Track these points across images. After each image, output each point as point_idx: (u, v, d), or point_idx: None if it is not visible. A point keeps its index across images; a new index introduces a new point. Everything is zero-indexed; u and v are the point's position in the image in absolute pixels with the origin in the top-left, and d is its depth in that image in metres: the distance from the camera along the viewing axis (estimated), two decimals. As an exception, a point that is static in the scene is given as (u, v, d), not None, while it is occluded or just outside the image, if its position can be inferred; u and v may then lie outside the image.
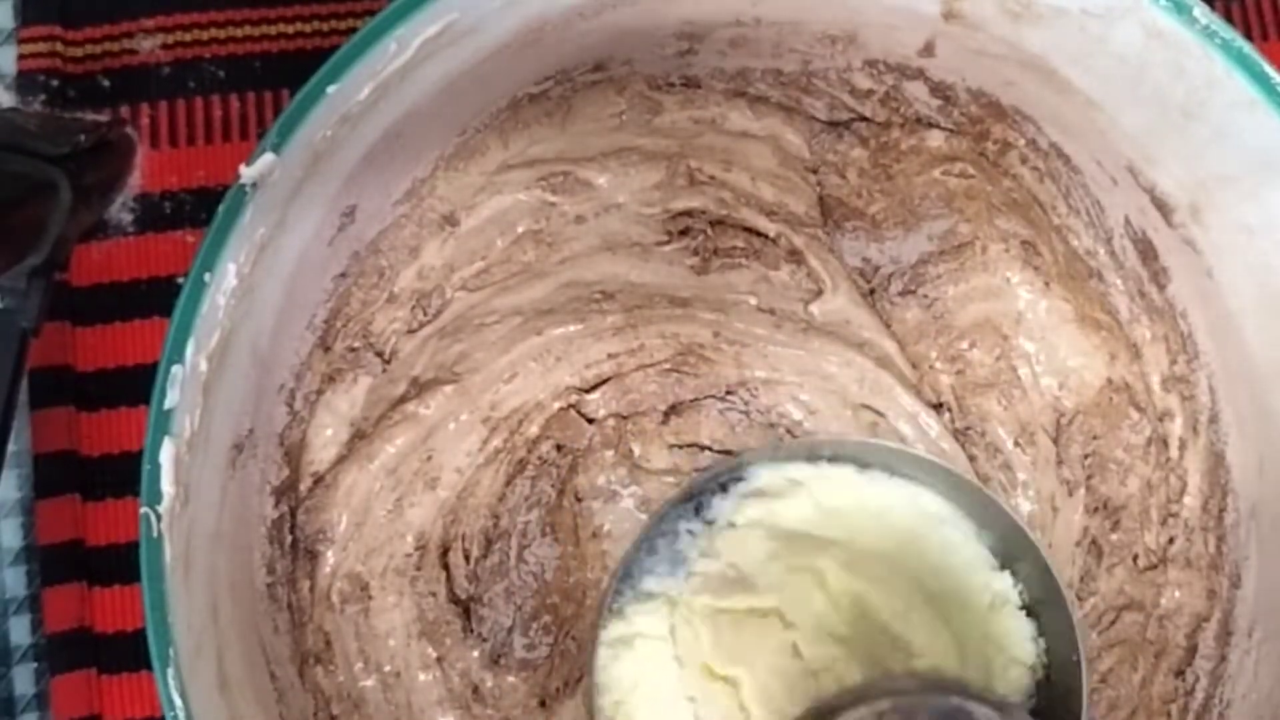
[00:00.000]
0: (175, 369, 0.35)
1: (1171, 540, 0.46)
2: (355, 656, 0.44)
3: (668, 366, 0.47)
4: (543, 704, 0.45)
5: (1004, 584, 0.42)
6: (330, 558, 0.44)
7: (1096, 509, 0.47)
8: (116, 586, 0.46)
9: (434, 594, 0.45)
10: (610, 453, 0.46)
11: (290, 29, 0.50)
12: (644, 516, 0.46)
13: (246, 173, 0.36)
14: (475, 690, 0.45)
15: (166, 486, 0.35)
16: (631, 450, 0.46)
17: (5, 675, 0.46)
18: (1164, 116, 0.40)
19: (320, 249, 0.42)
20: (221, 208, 0.36)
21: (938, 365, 0.48)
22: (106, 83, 0.49)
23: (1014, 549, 0.42)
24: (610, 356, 0.46)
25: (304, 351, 0.44)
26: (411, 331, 0.46)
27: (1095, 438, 0.47)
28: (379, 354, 0.46)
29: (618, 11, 0.41)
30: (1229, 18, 0.52)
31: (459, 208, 0.46)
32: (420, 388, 0.45)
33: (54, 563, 0.46)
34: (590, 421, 0.46)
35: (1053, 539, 0.47)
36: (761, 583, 0.41)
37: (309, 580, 0.44)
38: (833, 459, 0.43)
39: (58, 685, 0.45)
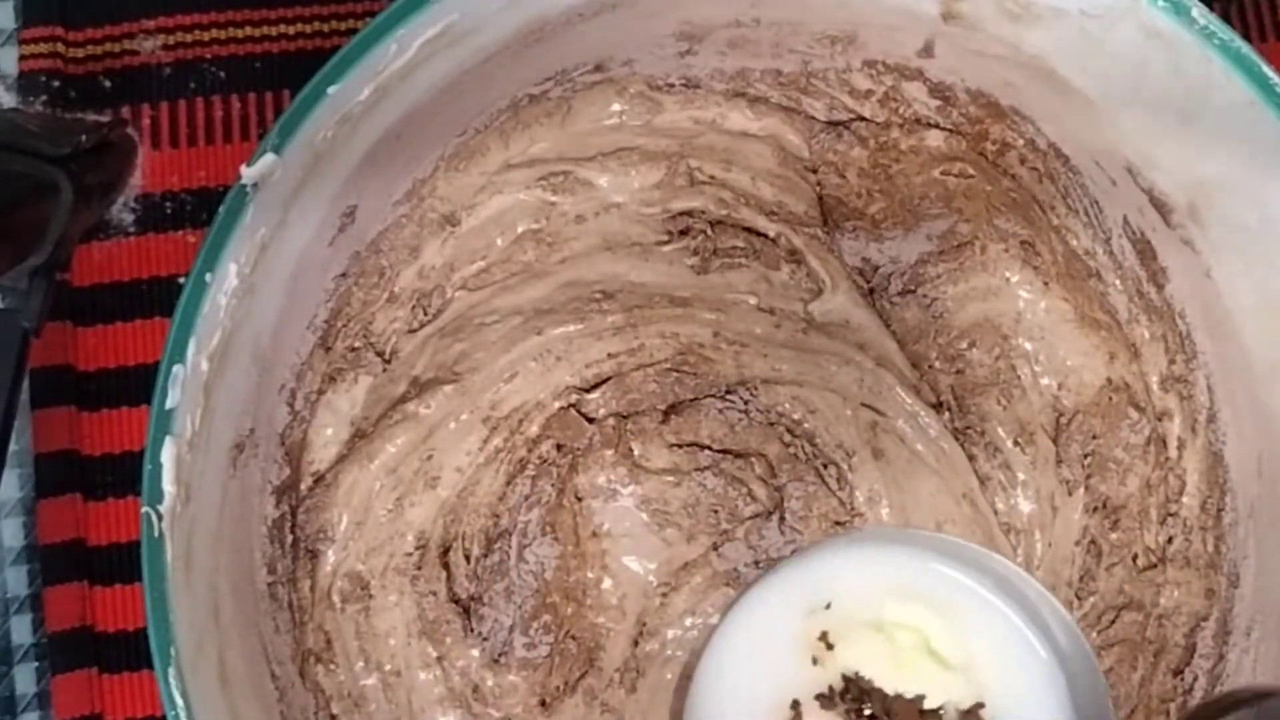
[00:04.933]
0: (176, 369, 0.35)
1: (1170, 540, 0.46)
2: (356, 655, 0.44)
3: (668, 366, 0.47)
4: (543, 703, 0.45)
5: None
6: (331, 557, 0.44)
7: (1096, 508, 0.47)
8: (118, 586, 0.46)
9: (434, 593, 0.45)
10: (610, 452, 0.46)
11: (291, 30, 0.50)
12: (644, 516, 0.46)
13: (247, 173, 0.36)
14: (476, 689, 0.45)
15: (168, 486, 0.35)
16: (631, 450, 0.46)
17: (7, 674, 0.46)
18: (1163, 117, 0.40)
19: (321, 249, 0.42)
20: (222, 208, 0.36)
21: (937, 365, 0.48)
22: (108, 83, 0.49)
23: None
24: (610, 356, 0.47)
25: (305, 351, 0.44)
26: (412, 331, 0.46)
27: (1095, 437, 0.47)
28: (379, 354, 0.46)
29: (617, 12, 0.42)
30: (1227, 19, 0.52)
31: (459, 207, 0.47)
32: (420, 387, 0.46)
33: (55, 562, 0.46)
34: (590, 421, 0.46)
35: (1052, 538, 0.47)
36: None
37: (310, 579, 0.44)
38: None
39: (59, 684, 0.45)
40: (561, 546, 0.46)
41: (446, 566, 0.45)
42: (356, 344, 0.46)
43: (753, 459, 0.46)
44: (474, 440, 0.46)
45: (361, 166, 0.40)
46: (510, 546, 0.46)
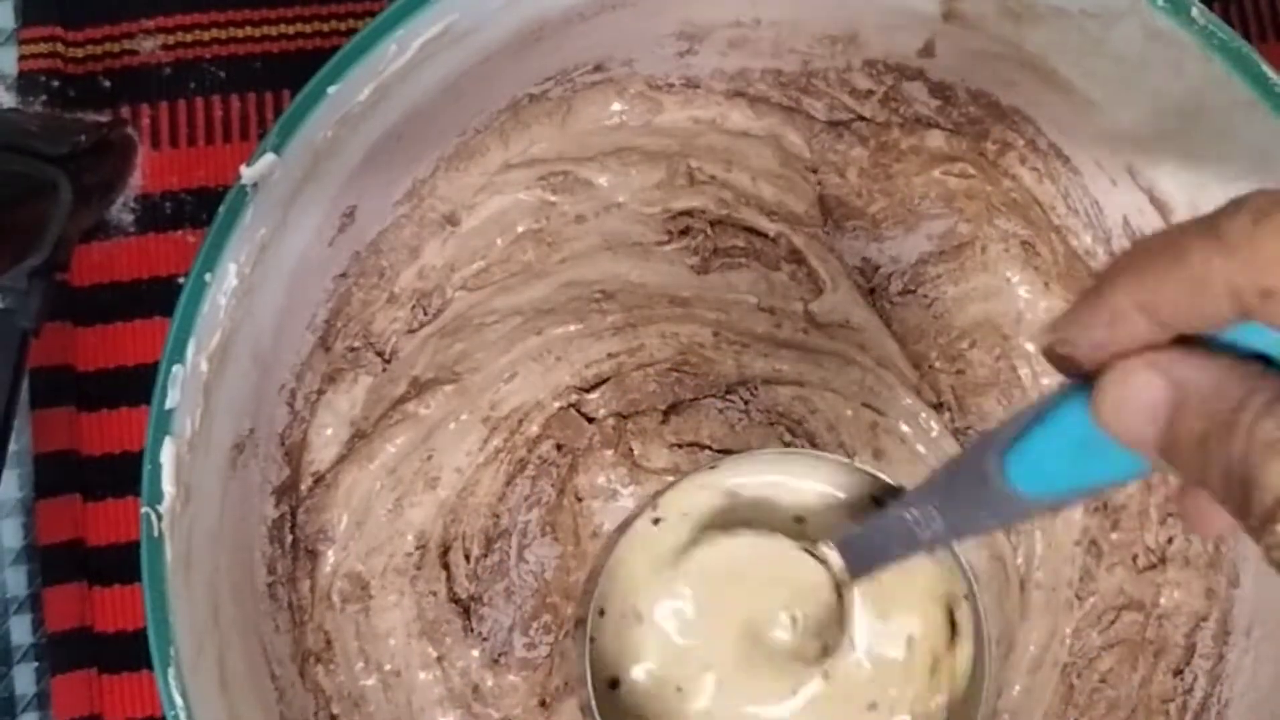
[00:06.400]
0: (176, 369, 0.35)
1: (1170, 539, 0.46)
2: (356, 656, 0.44)
3: (668, 366, 0.47)
4: (543, 703, 0.45)
5: None
6: (330, 557, 0.44)
7: (1096, 508, 0.47)
8: (117, 586, 0.46)
9: (434, 593, 0.45)
10: (610, 452, 0.46)
11: (291, 29, 0.50)
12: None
13: (247, 173, 0.36)
14: (475, 689, 0.45)
15: (167, 486, 0.35)
16: (631, 450, 0.46)
17: (6, 675, 0.46)
18: (1163, 117, 0.40)
19: (321, 249, 0.42)
20: (222, 208, 0.36)
21: (938, 365, 0.48)
22: (107, 83, 0.49)
23: None
24: (610, 356, 0.47)
25: (304, 351, 0.44)
26: (412, 331, 0.46)
27: (1094, 437, 0.47)
28: (379, 354, 0.46)
29: (618, 12, 0.42)
30: (1228, 19, 0.52)
31: (459, 207, 0.46)
32: (420, 387, 0.46)
33: (55, 562, 0.46)
34: (590, 421, 0.46)
35: (1052, 538, 0.47)
36: None
37: (309, 580, 0.44)
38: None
39: (58, 685, 0.45)
40: (561, 546, 0.46)
41: (446, 566, 0.45)
42: (356, 344, 0.46)
43: (753, 459, 0.46)
44: (474, 440, 0.46)
45: (361, 166, 0.40)
46: (510, 546, 0.46)
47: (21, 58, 0.48)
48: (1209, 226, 0.22)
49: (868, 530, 0.33)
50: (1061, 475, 0.25)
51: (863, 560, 0.33)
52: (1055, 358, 0.25)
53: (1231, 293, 0.21)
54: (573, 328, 0.46)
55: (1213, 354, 0.22)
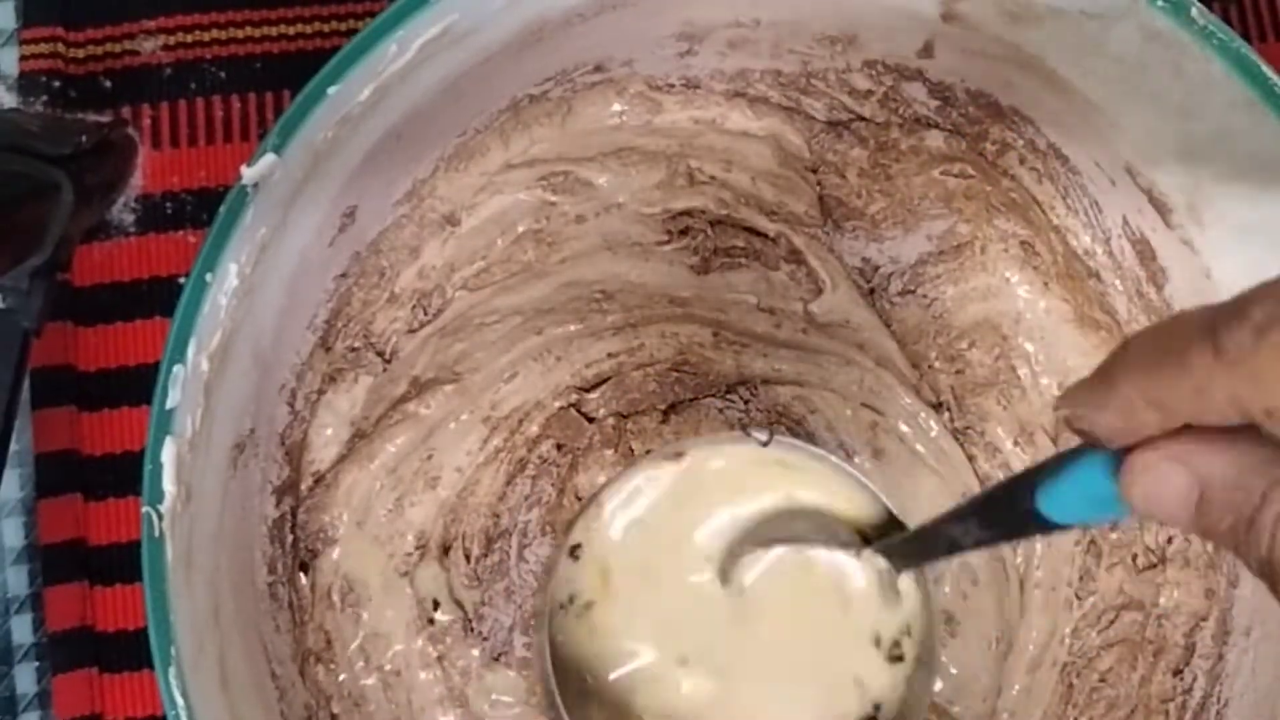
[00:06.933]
0: (177, 369, 0.35)
1: (1170, 540, 0.46)
2: (356, 655, 0.44)
3: (668, 366, 0.47)
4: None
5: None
6: (331, 557, 0.44)
7: (1095, 508, 0.47)
8: (118, 586, 0.46)
9: (434, 593, 0.45)
10: (610, 452, 0.46)
11: (291, 30, 0.50)
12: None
13: (248, 173, 0.36)
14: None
15: (168, 486, 0.35)
16: (631, 449, 0.46)
17: (7, 674, 0.46)
18: (1162, 117, 0.40)
19: (321, 249, 0.42)
20: (223, 208, 0.36)
21: (937, 365, 0.48)
22: (108, 83, 0.49)
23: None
24: (610, 356, 0.47)
25: (305, 351, 0.44)
26: (412, 331, 0.46)
27: (1094, 437, 0.47)
28: (380, 354, 0.46)
29: (618, 12, 0.42)
30: (1227, 19, 0.52)
31: (459, 208, 0.47)
32: (420, 387, 0.46)
33: (56, 562, 0.46)
34: (590, 420, 0.46)
35: (1052, 538, 0.47)
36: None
37: (310, 579, 0.44)
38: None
39: (59, 684, 0.45)
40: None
41: (446, 567, 0.45)
42: (357, 344, 0.46)
43: (753, 459, 0.46)
44: (474, 440, 0.46)
45: (361, 167, 0.40)
46: (510, 546, 0.46)
47: (23, 58, 0.48)
48: (1208, 332, 0.22)
49: (913, 538, 0.37)
50: (1089, 510, 0.27)
51: (909, 560, 0.38)
52: (1075, 430, 0.26)
53: (1236, 406, 0.22)
54: (573, 328, 0.46)
55: (1231, 439, 0.23)
